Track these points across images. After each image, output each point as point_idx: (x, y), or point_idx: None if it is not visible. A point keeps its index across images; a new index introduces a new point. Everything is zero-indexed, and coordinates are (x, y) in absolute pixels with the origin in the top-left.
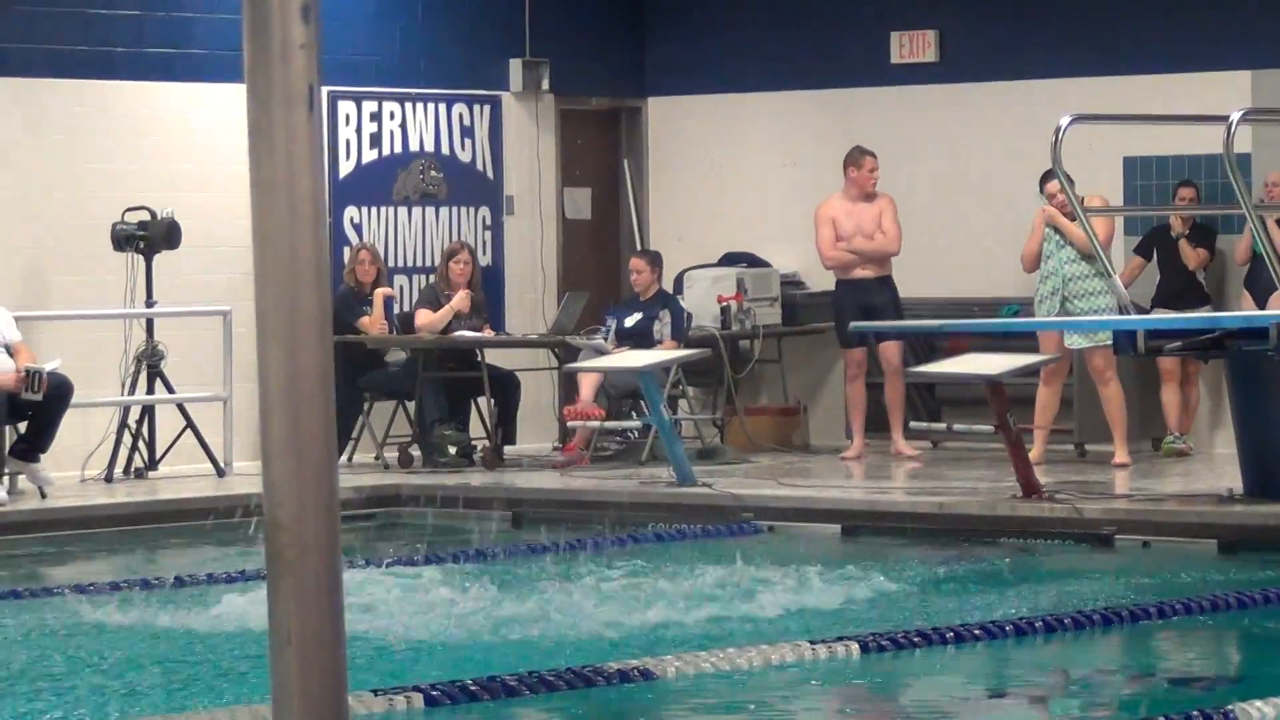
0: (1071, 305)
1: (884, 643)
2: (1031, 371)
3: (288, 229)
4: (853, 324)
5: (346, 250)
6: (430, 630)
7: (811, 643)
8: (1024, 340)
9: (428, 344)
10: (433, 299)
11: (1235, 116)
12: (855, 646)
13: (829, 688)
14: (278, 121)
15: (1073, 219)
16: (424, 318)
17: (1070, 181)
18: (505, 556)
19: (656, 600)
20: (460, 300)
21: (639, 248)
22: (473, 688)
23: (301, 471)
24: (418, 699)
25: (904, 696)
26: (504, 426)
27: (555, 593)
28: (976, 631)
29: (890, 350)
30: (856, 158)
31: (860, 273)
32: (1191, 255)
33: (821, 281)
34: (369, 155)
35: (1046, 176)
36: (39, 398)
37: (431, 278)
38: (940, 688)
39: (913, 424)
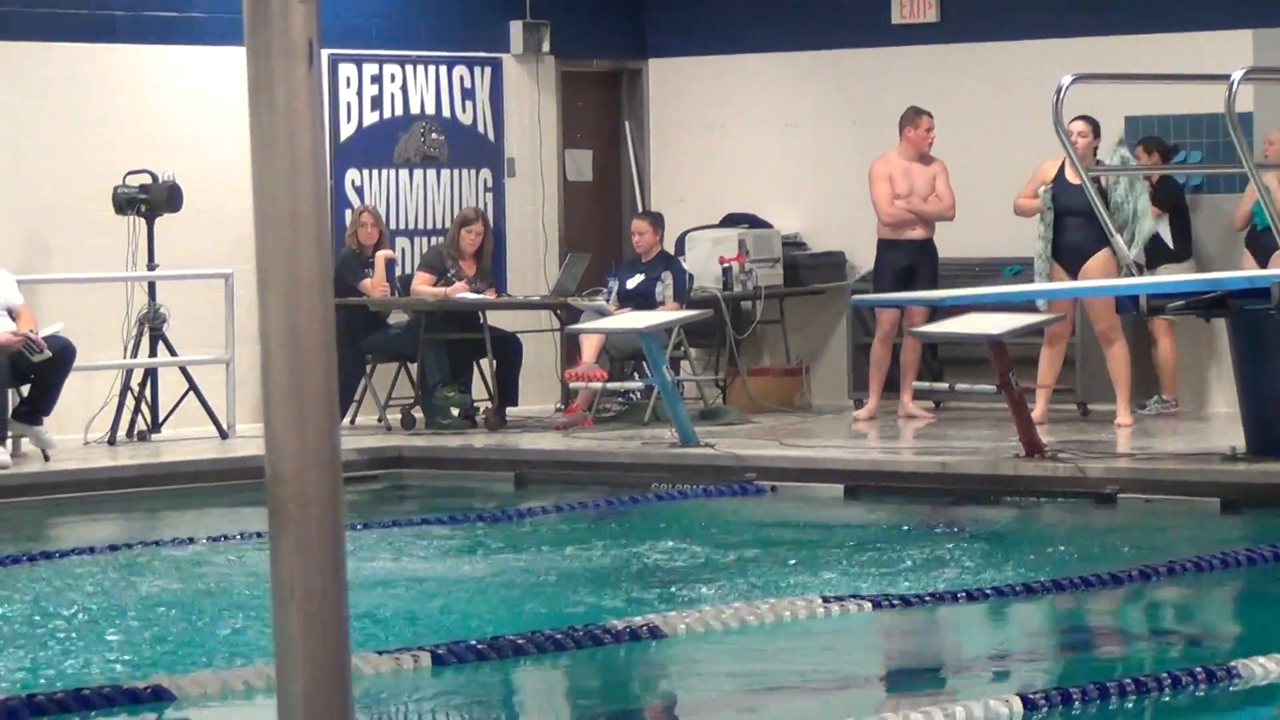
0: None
1: (895, 601)
2: (1034, 331)
3: (288, 184)
4: (854, 297)
5: (348, 213)
6: (432, 591)
7: (824, 599)
8: (1026, 300)
9: (430, 306)
10: (436, 262)
11: (1237, 75)
12: (868, 605)
13: (841, 645)
14: (278, 76)
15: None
16: (421, 285)
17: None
18: (508, 518)
19: (661, 560)
20: (459, 289)
21: (640, 209)
22: (480, 647)
23: (303, 425)
24: (425, 658)
25: (916, 655)
26: (506, 388)
27: (559, 553)
28: (987, 591)
29: (918, 313)
30: (912, 117)
31: (910, 234)
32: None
33: (823, 242)
34: (370, 118)
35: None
36: (48, 355)
37: (434, 240)
38: (951, 646)
39: (915, 384)
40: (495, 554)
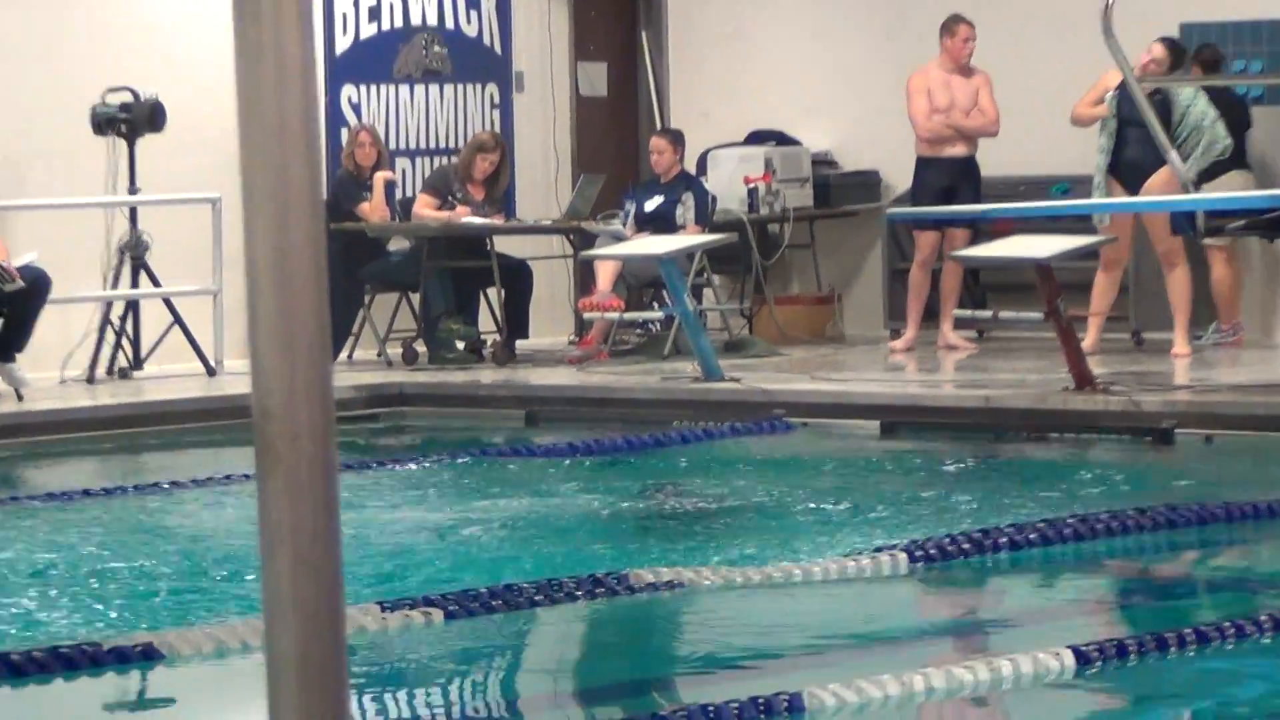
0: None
1: (933, 551)
2: (1085, 255)
3: (275, 95)
4: (889, 210)
5: (344, 132)
6: (438, 538)
7: (856, 554)
8: (1075, 221)
9: (433, 232)
10: (440, 184)
11: None
12: (903, 556)
13: (876, 597)
14: None
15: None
16: (424, 208)
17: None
18: (517, 458)
19: (683, 505)
20: (464, 213)
21: (659, 126)
22: (491, 600)
23: (292, 354)
24: (438, 615)
25: (958, 609)
26: (515, 319)
27: (573, 498)
28: (1032, 536)
29: (960, 236)
30: (950, 25)
31: (951, 151)
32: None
33: (856, 160)
34: (367, 30)
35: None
36: (21, 285)
37: (436, 161)
38: (995, 596)
39: (956, 312)
40: (505, 498)
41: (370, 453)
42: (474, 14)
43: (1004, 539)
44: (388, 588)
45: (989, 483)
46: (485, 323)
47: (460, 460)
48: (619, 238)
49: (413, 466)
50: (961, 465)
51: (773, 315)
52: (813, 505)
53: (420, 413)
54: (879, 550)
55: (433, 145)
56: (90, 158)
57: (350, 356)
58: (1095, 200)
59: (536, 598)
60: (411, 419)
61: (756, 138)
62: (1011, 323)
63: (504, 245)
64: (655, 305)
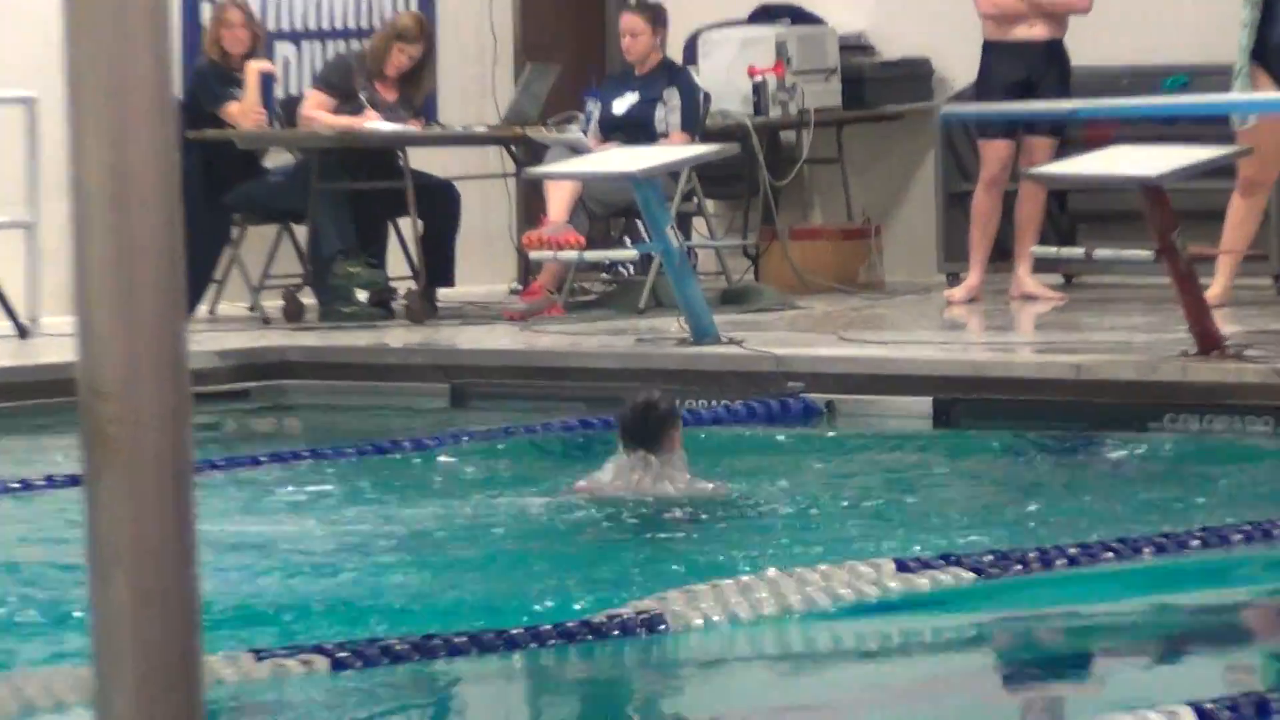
0: None
1: (1010, 566)
2: (1214, 172)
3: None
4: (945, 110)
5: (206, 8)
6: (329, 560)
7: (902, 566)
8: (1200, 125)
9: (326, 143)
10: (340, 80)
11: None
12: (968, 573)
13: (932, 634)
14: None
15: None
16: (315, 110)
17: None
18: (440, 450)
19: (663, 514)
20: (370, 118)
21: (631, 0)
22: (397, 647)
23: (132, 310)
24: (319, 661)
25: (1043, 655)
26: (437, 261)
27: (515, 505)
28: (1146, 551)
29: (1040, 147)
30: None
31: (1025, 33)
32: None
33: (899, 46)
34: None
35: None
36: None
37: (335, 47)
38: (1089, 633)
39: (1035, 250)
40: (420, 505)
41: (238, 444)
42: None
43: (1105, 551)
44: (259, 630)
45: (1081, 484)
46: (397, 265)
47: (361, 454)
48: (578, 150)
49: (297, 462)
50: (1043, 460)
51: (787, 255)
52: (839, 519)
53: (307, 388)
54: (934, 563)
55: (327, 27)
56: None
57: (212, 311)
58: (1233, 96)
59: (458, 643)
60: (295, 396)
61: (764, 15)
62: (1111, 264)
63: (422, 161)
64: (627, 241)
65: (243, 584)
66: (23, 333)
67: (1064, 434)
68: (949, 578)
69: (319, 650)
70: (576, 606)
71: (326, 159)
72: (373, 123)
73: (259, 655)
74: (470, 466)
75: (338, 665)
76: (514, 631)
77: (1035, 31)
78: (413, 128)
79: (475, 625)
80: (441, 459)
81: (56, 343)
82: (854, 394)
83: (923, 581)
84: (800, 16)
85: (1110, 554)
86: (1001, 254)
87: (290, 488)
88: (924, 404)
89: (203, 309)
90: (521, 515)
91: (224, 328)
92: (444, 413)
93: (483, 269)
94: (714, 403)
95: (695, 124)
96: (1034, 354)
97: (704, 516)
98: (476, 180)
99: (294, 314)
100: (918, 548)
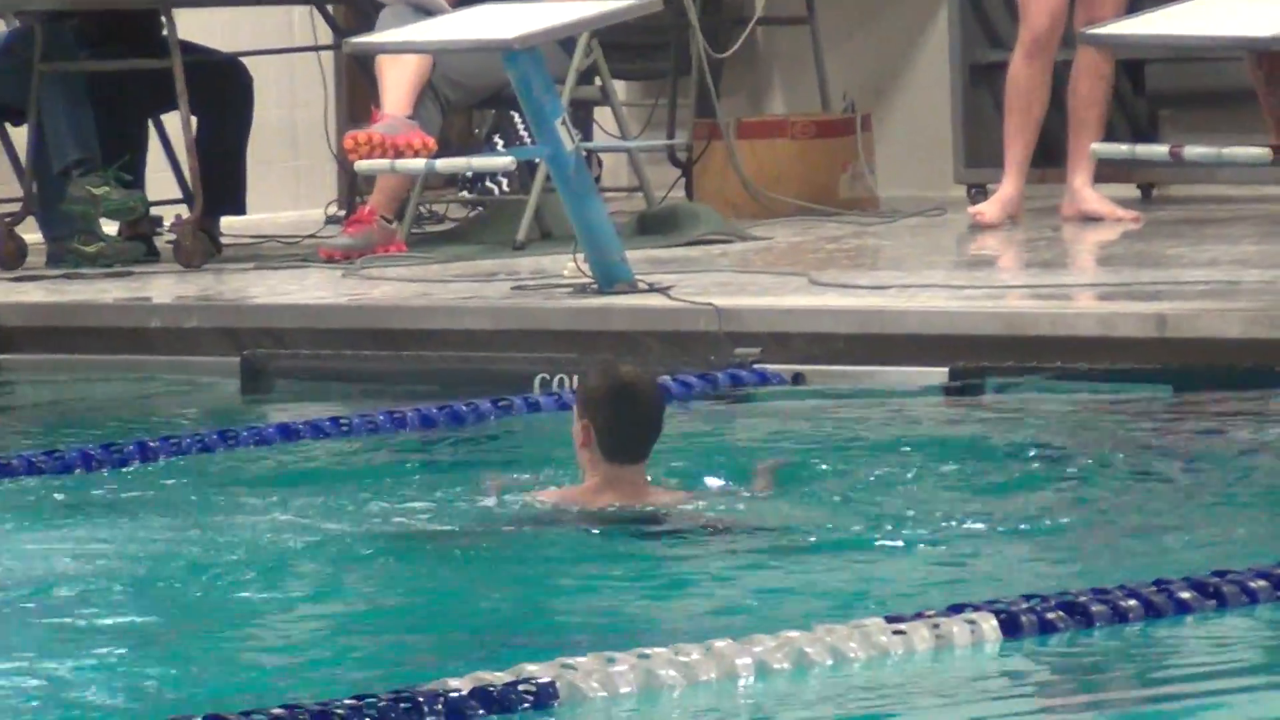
0: None
1: (1048, 615)
2: None
3: None
4: None
5: None
6: (54, 615)
7: (891, 620)
8: None
9: (52, 4)
10: None
11: None
12: (990, 624)
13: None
14: None
15: None
16: None
17: None
18: (226, 451)
19: (557, 545)
20: None
21: None
22: None
23: None
24: None
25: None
26: (221, 177)
27: (334, 532)
28: (1256, 586)
29: (1104, 3)
30: None
31: None
32: None
33: None
34: None
35: None
36: None
37: None
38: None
39: (1097, 148)
40: (198, 530)
41: None
42: None
43: (1182, 590)
44: None
45: (1151, 482)
46: (161, 185)
47: (111, 457)
48: (428, 10)
49: (17, 477)
50: (1102, 448)
51: (734, 161)
52: (808, 542)
53: (29, 364)
54: (944, 614)
55: None
56: None
57: None
58: None
59: None
60: (12, 376)
61: None
62: (1209, 168)
63: (196, 28)
64: (498, 144)
65: None
66: None
67: (1139, 414)
68: (962, 629)
69: None
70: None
71: (54, 30)
72: None
73: None
74: (263, 476)
75: None
76: (331, 707)
77: None
78: None
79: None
80: (223, 465)
81: None
82: (834, 364)
83: (926, 636)
84: None
85: (1190, 591)
86: (1049, 155)
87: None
88: (936, 374)
89: None
90: (345, 546)
91: None
92: (230, 401)
93: (287, 188)
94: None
95: None
96: (1097, 301)
97: (663, 536)
98: (277, 57)
99: (11, 257)
100: (914, 579)
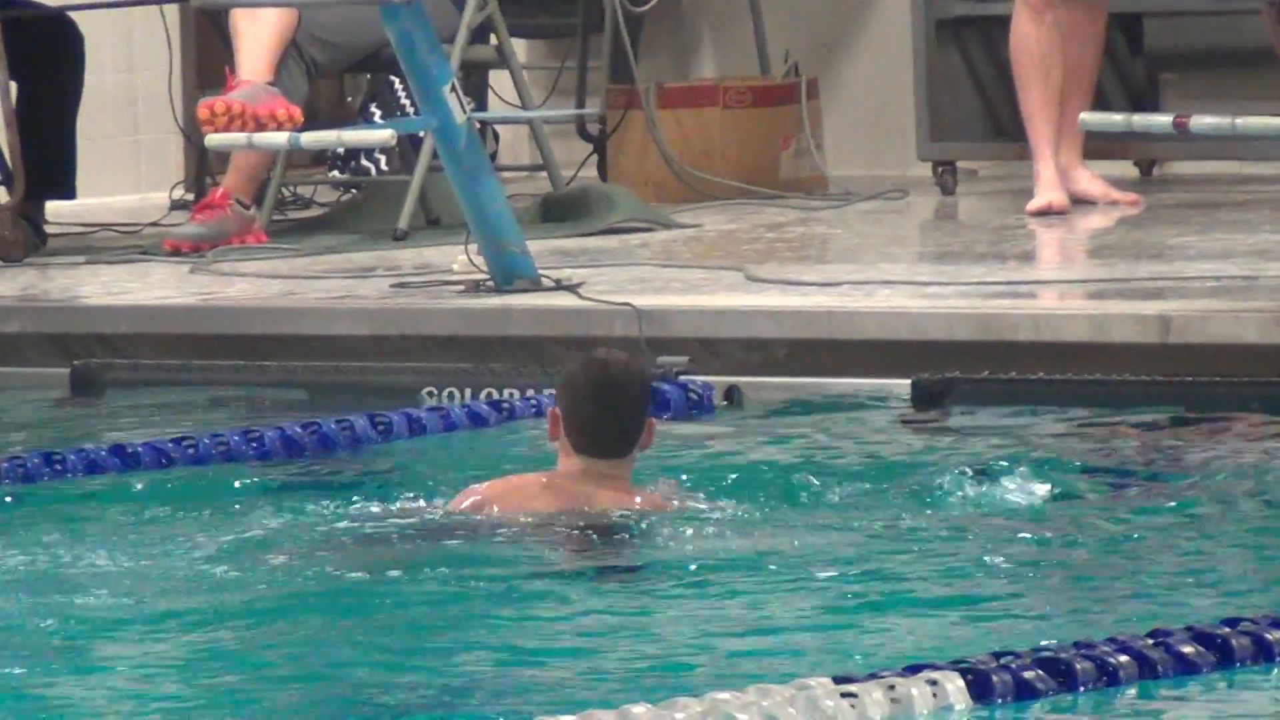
0: None
1: (1024, 674)
2: None
3: None
4: None
5: None
6: None
7: (840, 681)
8: None
9: None
10: None
11: None
12: (956, 684)
13: None
14: None
15: None
16: None
17: None
18: (45, 482)
19: (452, 590)
20: None
21: None
22: None
23: None
24: None
25: None
26: (47, 155)
27: (188, 576)
28: (1235, 640)
29: None
30: None
31: None
32: None
33: None
34: None
35: None
36: None
37: None
38: None
39: (1087, 119)
40: (37, 582)
41: None
42: None
43: (1182, 642)
44: None
45: (1142, 516)
46: None
47: None
48: None
49: None
50: (1090, 476)
51: (655, 135)
52: (768, 575)
53: None
54: (903, 674)
55: None
56: None
57: None
58: None
59: None
60: None
61: None
62: (1218, 140)
63: None
64: (376, 114)
65: None
66: None
67: (1128, 433)
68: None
69: None
70: None
71: None
72: None
73: None
74: (93, 509)
75: None
76: None
77: None
78: None
79: None
80: (42, 496)
81: None
82: (773, 375)
83: (878, 699)
84: None
85: (1189, 643)
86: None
87: None
88: (898, 387)
89: None
90: (193, 594)
91: None
92: (56, 414)
93: (126, 167)
94: (534, 394)
95: None
96: (1087, 300)
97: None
98: (113, 11)
99: None
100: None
